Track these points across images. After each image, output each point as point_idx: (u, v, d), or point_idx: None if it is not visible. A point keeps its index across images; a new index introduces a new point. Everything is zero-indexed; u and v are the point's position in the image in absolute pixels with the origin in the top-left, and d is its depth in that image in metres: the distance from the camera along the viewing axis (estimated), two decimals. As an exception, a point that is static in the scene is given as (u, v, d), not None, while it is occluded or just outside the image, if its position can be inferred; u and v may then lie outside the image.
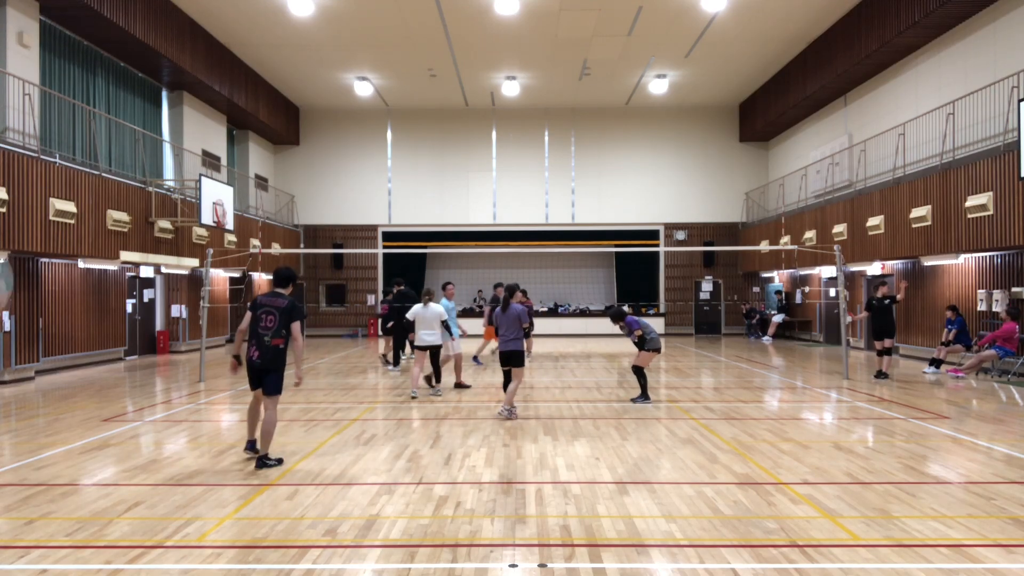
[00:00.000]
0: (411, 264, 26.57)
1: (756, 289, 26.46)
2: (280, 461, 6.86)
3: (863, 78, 19.12)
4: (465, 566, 4.34)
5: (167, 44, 17.03)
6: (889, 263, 17.49)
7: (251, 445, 7.15)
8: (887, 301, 13.02)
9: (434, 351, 11.10)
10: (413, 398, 11.01)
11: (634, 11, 17.91)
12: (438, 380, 11.41)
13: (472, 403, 10.58)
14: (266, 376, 6.74)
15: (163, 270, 17.55)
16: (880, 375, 13.01)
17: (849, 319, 14.38)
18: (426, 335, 10.90)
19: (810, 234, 20.00)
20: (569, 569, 4.29)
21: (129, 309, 17.59)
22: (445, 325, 11.06)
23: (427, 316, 10.86)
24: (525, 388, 12.13)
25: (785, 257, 21.72)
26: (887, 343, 13.13)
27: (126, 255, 15.17)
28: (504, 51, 20.81)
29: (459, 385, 12.07)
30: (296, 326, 6.75)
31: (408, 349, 16.17)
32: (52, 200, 12.75)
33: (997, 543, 4.67)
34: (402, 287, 15.26)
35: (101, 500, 5.71)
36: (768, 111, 23.88)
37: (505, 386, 9.75)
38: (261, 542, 4.75)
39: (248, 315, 6.89)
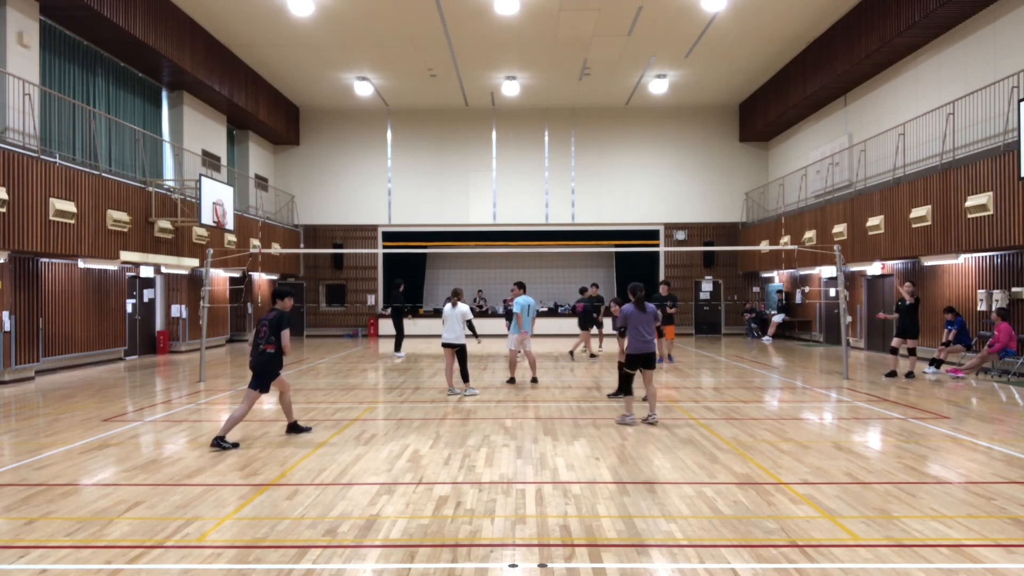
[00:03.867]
0: (411, 264, 26.56)
1: (756, 289, 26.46)
2: (236, 445, 7.60)
3: (863, 78, 19.12)
4: (465, 566, 4.34)
5: (167, 44, 17.04)
6: (889, 263, 17.49)
7: (294, 427, 8.33)
8: (906, 303, 13.25)
9: (460, 351, 11.32)
10: (452, 395, 11.31)
11: (634, 11, 17.91)
12: (465, 380, 11.46)
13: (472, 403, 10.58)
14: (256, 373, 7.87)
15: (163, 270, 17.56)
16: (904, 375, 13.18)
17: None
18: (448, 334, 11.22)
19: (810, 234, 20.00)
20: (569, 569, 4.29)
21: (129, 309, 17.59)
22: (470, 325, 11.39)
23: (451, 316, 11.22)
24: (525, 388, 12.14)
25: (785, 257, 21.72)
26: (905, 343, 13.22)
27: (126, 255, 15.18)
28: (504, 51, 20.81)
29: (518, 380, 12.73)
30: (284, 333, 7.84)
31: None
32: (52, 200, 12.76)
33: (997, 543, 4.67)
34: (396, 288, 18.33)
35: (101, 500, 5.71)
36: (768, 111, 23.88)
37: (623, 390, 9.16)
38: (261, 542, 4.75)
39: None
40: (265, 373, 7.81)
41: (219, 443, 7.47)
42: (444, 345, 11.31)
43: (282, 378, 8.15)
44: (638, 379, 9.30)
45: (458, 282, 25.39)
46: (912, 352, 13.30)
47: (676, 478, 6.33)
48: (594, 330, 18.15)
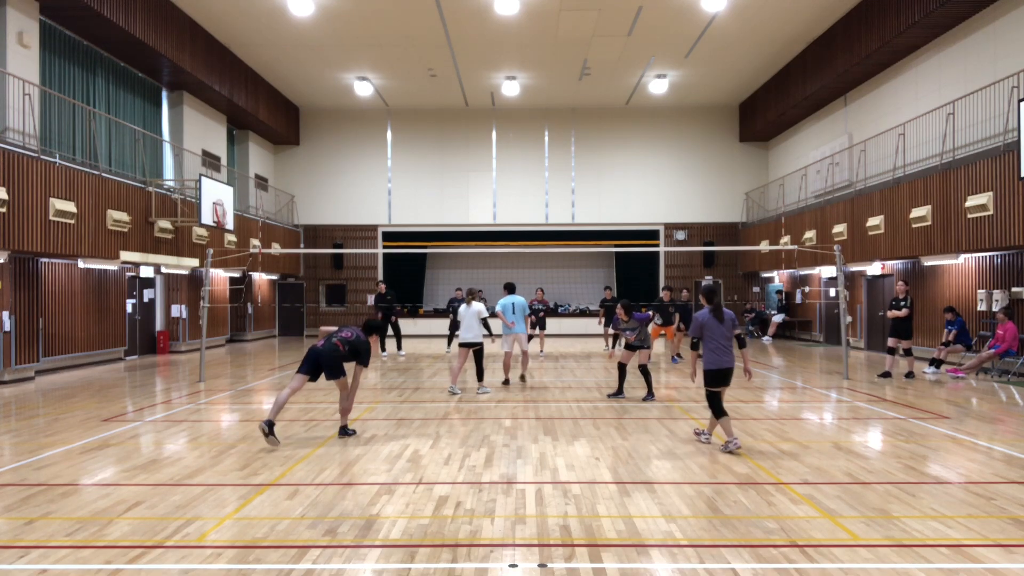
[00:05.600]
0: (411, 264, 26.56)
1: (756, 289, 26.46)
2: (355, 432, 8.18)
3: (863, 78, 19.12)
4: (465, 566, 4.34)
5: (167, 44, 17.04)
6: (889, 263, 17.49)
7: (269, 425, 7.67)
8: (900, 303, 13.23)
9: (476, 350, 11.49)
10: (453, 395, 11.35)
11: (634, 11, 17.91)
12: (480, 378, 11.66)
13: (472, 403, 10.58)
14: (326, 365, 7.85)
15: (163, 270, 17.55)
16: (903, 375, 13.17)
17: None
18: (466, 334, 11.39)
19: (810, 234, 20.00)
20: (569, 569, 4.29)
21: (129, 309, 17.59)
22: (485, 323, 11.57)
23: (467, 315, 11.39)
24: (525, 388, 12.13)
25: (785, 257, 21.72)
26: (900, 343, 13.19)
27: (126, 255, 15.17)
28: (504, 51, 20.81)
29: (523, 378, 12.76)
30: (358, 368, 8.05)
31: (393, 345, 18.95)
32: (52, 200, 12.76)
33: (997, 543, 4.67)
34: (377, 291, 18.59)
35: (101, 500, 5.71)
36: (768, 111, 23.88)
37: (715, 412, 7.44)
38: (261, 542, 4.75)
39: (330, 328, 8.28)
40: (338, 367, 7.91)
41: (345, 432, 8.09)
42: (461, 345, 11.48)
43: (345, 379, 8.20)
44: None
45: (458, 282, 25.37)
46: (908, 352, 13.27)
47: (676, 478, 6.33)
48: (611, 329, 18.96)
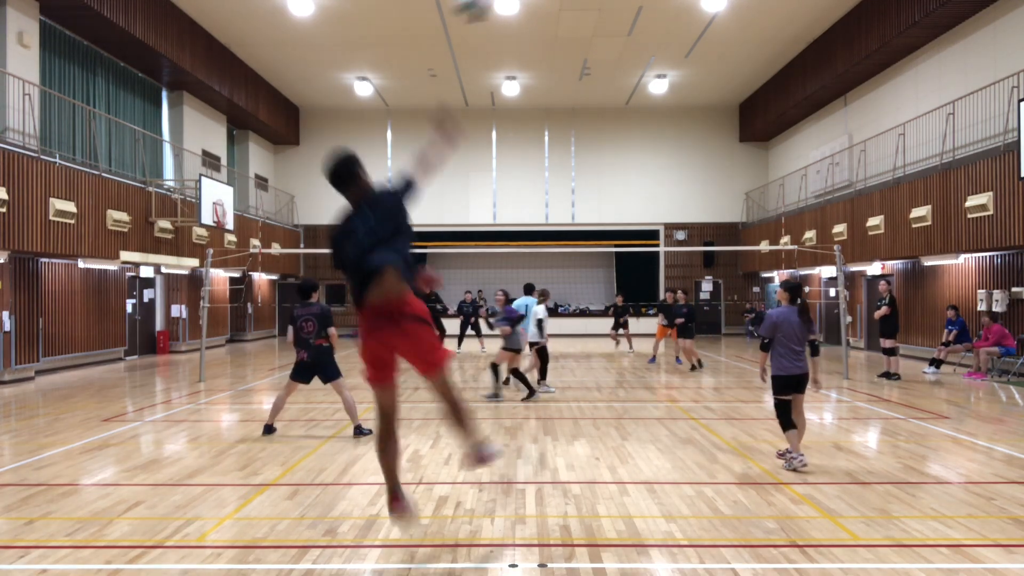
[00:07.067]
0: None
1: (756, 289, 26.46)
2: (370, 431, 7.86)
3: (863, 78, 19.12)
4: (465, 566, 4.34)
5: (167, 44, 17.03)
6: (889, 263, 17.49)
7: (268, 429, 8.15)
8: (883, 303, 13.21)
9: (538, 349, 11.55)
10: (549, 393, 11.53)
11: (634, 11, 17.91)
12: (543, 376, 11.71)
13: (472, 403, 10.58)
14: (321, 370, 8.03)
15: (163, 270, 17.55)
16: (885, 375, 13.15)
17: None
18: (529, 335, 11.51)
19: (810, 234, 20.00)
20: (569, 569, 4.29)
21: (129, 309, 17.58)
22: (539, 324, 11.59)
23: (529, 316, 11.39)
24: (524, 388, 12.10)
25: (785, 257, 21.72)
26: (886, 343, 13.20)
27: (126, 255, 15.17)
28: (504, 51, 20.81)
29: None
30: (332, 331, 8.15)
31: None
32: (52, 200, 12.75)
33: (997, 543, 4.67)
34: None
35: (101, 500, 5.71)
36: (768, 111, 23.88)
37: (784, 424, 6.62)
38: (261, 542, 4.75)
39: (291, 328, 8.13)
40: (332, 363, 8.11)
41: (360, 431, 8.01)
42: (530, 344, 11.49)
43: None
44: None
45: (458, 282, 25.38)
46: (893, 352, 13.22)
47: (676, 478, 6.33)
48: (622, 330, 19.40)
